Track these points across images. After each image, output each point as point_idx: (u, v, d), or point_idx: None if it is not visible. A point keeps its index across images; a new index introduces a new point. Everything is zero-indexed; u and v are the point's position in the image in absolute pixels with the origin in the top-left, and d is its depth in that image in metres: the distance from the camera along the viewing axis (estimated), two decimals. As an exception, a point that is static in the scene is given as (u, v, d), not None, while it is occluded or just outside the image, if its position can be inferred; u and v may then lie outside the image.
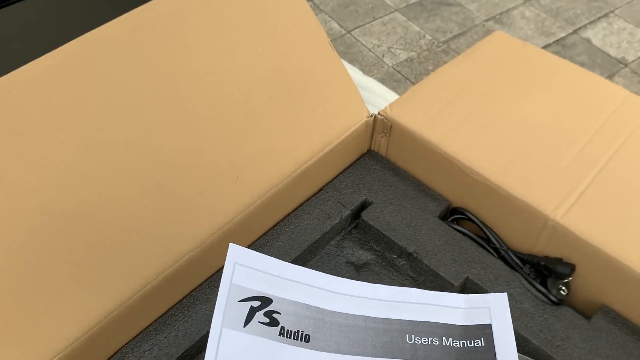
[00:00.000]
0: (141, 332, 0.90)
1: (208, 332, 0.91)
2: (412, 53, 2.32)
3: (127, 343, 0.89)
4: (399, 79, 2.11)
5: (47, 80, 0.82)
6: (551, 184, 0.99)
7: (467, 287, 1.00)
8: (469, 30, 2.43)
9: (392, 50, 2.31)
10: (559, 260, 0.97)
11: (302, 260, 1.03)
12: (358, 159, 1.16)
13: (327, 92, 1.07)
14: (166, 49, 0.91)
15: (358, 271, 1.04)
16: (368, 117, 1.11)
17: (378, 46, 2.32)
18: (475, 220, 1.06)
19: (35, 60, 0.83)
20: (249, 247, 1.01)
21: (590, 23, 2.43)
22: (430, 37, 2.38)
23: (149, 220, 0.88)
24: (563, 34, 2.40)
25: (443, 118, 1.08)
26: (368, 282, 1.03)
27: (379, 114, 1.11)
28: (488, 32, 2.37)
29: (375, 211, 1.07)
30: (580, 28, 2.40)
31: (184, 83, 0.92)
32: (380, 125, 1.11)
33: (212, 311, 0.94)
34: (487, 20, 2.46)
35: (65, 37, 0.88)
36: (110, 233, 0.84)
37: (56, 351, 0.80)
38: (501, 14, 2.54)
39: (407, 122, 1.08)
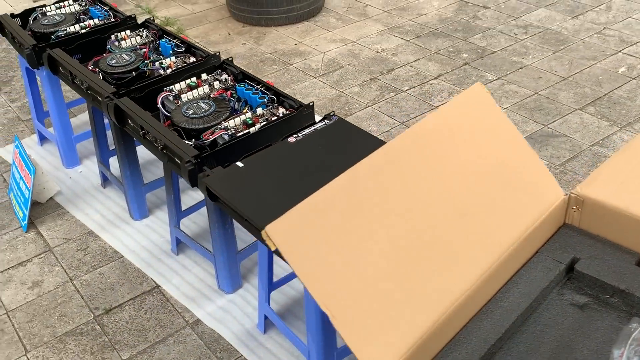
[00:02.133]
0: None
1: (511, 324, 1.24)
2: (534, 176, 2.76)
3: (465, 324, 1.22)
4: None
5: (382, 168, 1.25)
6: None
7: (674, 310, 1.29)
8: (579, 154, 2.84)
9: (516, 175, 2.75)
10: None
11: (536, 302, 1.35)
12: (557, 231, 1.50)
13: (532, 181, 1.46)
14: (431, 155, 1.34)
15: (582, 309, 1.35)
16: (564, 195, 1.48)
17: (502, 173, 2.77)
18: (667, 263, 1.36)
19: (369, 156, 1.26)
20: (497, 293, 1.34)
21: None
22: (547, 162, 2.80)
23: (442, 253, 1.25)
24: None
25: (623, 191, 1.43)
26: (590, 319, 1.33)
27: (571, 193, 1.48)
28: (595, 155, 2.77)
29: (584, 264, 1.39)
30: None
31: (445, 177, 1.33)
32: (573, 201, 1.47)
33: (507, 316, 1.26)
34: (592, 145, 2.88)
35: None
36: (434, 254, 1.22)
37: (424, 329, 1.14)
38: (603, 139, 2.95)
39: (597, 196, 1.44)
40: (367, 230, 1.20)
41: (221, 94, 2.28)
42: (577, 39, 3.89)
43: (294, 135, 1.94)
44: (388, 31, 4.18)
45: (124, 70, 2.44)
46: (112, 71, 2.44)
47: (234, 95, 2.25)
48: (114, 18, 2.91)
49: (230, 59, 2.43)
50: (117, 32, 2.70)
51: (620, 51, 3.71)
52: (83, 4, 3.06)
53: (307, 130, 1.96)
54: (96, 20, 2.87)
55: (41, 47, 2.64)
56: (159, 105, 2.22)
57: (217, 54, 2.50)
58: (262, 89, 2.23)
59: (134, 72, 2.45)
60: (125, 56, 2.51)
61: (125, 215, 2.68)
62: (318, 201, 1.18)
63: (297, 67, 3.80)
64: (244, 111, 2.15)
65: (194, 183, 1.91)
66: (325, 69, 3.77)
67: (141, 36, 2.70)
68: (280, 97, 2.17)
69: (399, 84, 3.55)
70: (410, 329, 1.16)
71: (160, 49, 2.62)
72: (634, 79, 3.43)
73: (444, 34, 4.07)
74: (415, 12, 4.41)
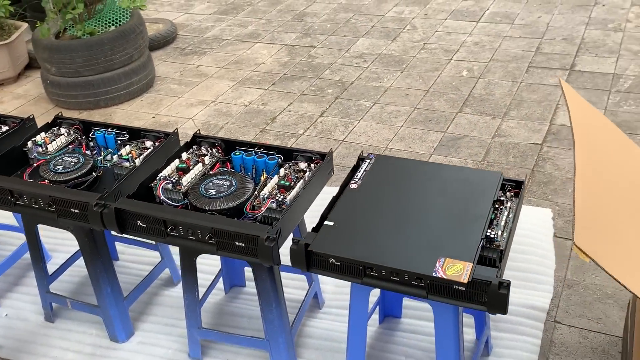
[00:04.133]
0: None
1: None
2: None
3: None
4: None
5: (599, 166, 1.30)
6: None
7: None
8: (490, 148, 3.19)
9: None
10: None
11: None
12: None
13: None
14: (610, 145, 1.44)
15: None
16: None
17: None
18: None
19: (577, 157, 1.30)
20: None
21: None
22: (471, 161, 3.08)
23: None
24: None
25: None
26: None
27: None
28: (502, 145, 3.14)
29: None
30: None
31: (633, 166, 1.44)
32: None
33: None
34: (492, 138, 3.26)
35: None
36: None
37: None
38: (497, 131, 3.35)
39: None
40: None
41: (219, 167, 2.08)
42: (410, 57, 4.33)
43: (352, 181, 1.87)
44: (240, 85, 4.15)
45: (80, 173, 2.07)
46: (66, 178, 2.05)
47: (233, 166, 2.08)
48: (1, 124, 2.44)
49: (198, 131, 2.22)
50: (32, 137, 2.27)
51: (451, 59, 4.23)
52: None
53: (358, 174, 1.90)
54: (-19, 134, 2.38)
55: (-59, 175, 2.10)
56: (162, 197, 1.94)
57: (176, 130, 2.27)
58: (260, 151, 2.09)
59: (94, 173, 2.10)
60: (69, 159, 2.13)
61: (104, 341, 2.24)
62: (586, 204, 1.19)
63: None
64: (264, 177, 1.99)
65: (277, 260, 1.71)
66: (205, 134, 3.60)
67: (63, 134, 2.31)
68: (292, 152, 2.06)
69: (291, 129, 3.56)
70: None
71: (97, 142, 2.27)
72: (479, 78, 3.94)
73: (296, 77, 4.19)
74: (252, 63, 4.45)
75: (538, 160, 3.07)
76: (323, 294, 2.35)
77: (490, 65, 4.09)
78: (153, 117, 3.85)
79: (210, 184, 1.95)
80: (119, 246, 2.65)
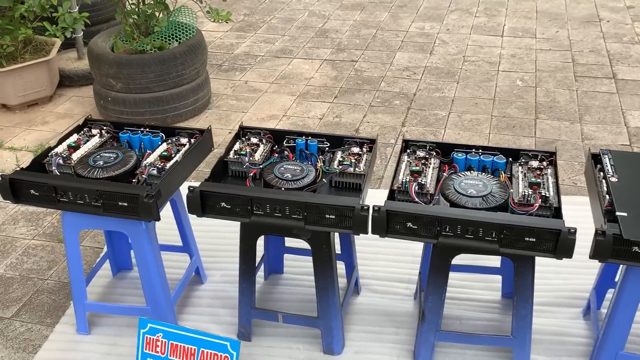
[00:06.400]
0: None
1: None
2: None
3: None
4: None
5: None
6: None
7: None
8: (586, 151, 3.42)
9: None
10: None
11: None
12: None
13: None
14: None
15: None
16: None
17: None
18: None
19: None
20: None
21: None
22: (577, 163, 3.28)
23: None
24: None
25: None
26: None
27: None
28: (595, 147, 3.39)
29: None
30: None
31: None
32: None
33: None
34: (583, 141, 3.49)
35: None
36: None
37: None
38: (583, 135, 3.56)
39: None
40: None
41: (450, 169, 2.11)
42: (457, 69, 4.49)
43: (609, 175, 1.96)
44: (302, 99, 4.14)
45: (309, 180, 2.03)
46: (301, 185, 2.01)
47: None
48: (171, 136, 2.33)
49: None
50: (232, 146, 2.20)
51: (498, 70, 4.44)
52: (101, 134, 2.37)
53: (608, 168, 1.99)
54: (165, 145, 2.26)
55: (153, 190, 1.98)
56: (416, 199, 1.94)
57: (377, 134, 2.27)
58: (480, 152, 2.15)
59: (324, 180, 2.06)
60: (290, 167, 2.08)
61: (318, 355, 2.18)
62: None
63: (264, 153, 3.50)
64: (503, 176, 2.04)
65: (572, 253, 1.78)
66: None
67: (258, 144, 2.24)
68: (519, 152, 2.13)
69: (381, 139, 3.59)
70: None
71: (299, 149, 2.23)
72: (536, 87, 4.17)
73: (355, 90, 4.24)
74: (302, 78, 4.45)
75: (637, 159, 3.30)
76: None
77: (539, 76, 4.33)
78: (229, 133, 3.76)
79: (463, 183, 1.97)
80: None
